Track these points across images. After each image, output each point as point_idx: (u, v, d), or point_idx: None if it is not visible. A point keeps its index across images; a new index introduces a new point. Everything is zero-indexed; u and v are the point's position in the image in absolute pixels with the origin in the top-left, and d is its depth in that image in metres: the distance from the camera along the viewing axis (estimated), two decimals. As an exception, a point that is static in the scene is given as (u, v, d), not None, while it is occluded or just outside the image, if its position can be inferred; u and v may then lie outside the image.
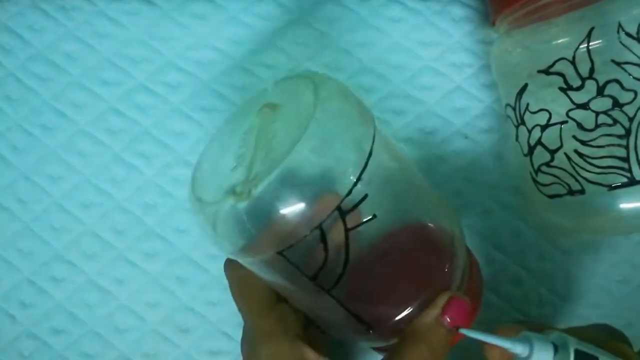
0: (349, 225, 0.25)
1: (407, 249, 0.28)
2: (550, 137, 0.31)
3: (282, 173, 0.23)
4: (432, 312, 0.26)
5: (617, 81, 0.29)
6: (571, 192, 0.31)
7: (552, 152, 0.31)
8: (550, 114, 0.31)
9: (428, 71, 0.38)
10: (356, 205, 0.24)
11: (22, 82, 0.38)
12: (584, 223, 0.32)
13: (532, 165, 0.32)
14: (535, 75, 0.31)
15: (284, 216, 0.24)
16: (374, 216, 0.25)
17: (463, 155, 0.37)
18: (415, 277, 0.27)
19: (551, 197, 0.32)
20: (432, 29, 0.38)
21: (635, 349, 0.25)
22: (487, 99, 0.38)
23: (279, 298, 0.29)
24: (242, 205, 0.24)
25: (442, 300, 0.26)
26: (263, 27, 0.38)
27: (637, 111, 0.29)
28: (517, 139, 0.33)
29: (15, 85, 0.38)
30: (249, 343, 0.29)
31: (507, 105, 0.34)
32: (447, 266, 0.28)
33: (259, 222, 0.24)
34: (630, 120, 0.29)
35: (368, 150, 0.25)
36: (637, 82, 0.29)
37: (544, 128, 0.31)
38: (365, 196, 0.25)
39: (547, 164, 0.31)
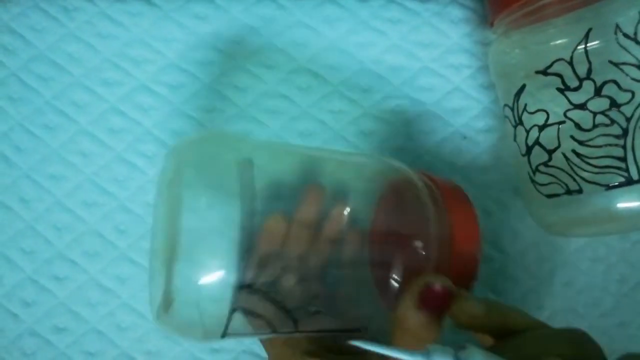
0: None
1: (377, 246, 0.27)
2: (548, 137, 0.31)
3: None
4: (408, 302, 0.25)
5: (615, 82, 0.29)
6: (569, 192, 0.31)
7: (550, 152, 0.31)
8: (548, 114, 0.31)
9: (427, 72, 0.38)
10: (261, 270, 0.25)
11: (24, 82, 0.38)
12: (582, 222, 0.32)
13: (530, 165, 0.32)
14: (533, 76, 0.31)
15: (203, 309, 0.25)
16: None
17: (461, 156, 0.37)
18: (384, 256, 0.27)
19: (549, 196, 0.32)
20: (431, 30, 0.38)
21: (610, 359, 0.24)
22: (485, 99, 0.38)
23: None
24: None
25: (416, 287, 0.25)
26: (263, 27, 0.38)
27: (634, 111, 0.29)
28: (515, 139, 0.34)
29: (18, 85, 0.38)
30: None
31: (505, 105, 0.34)
32: (414, 232, 0.27)
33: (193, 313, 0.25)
34: (628, 120, 0.29)
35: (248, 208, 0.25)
36: (634, 82, 0.29)
37: (541, 128, 0.31)
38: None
39: (545, 164, 0.32)
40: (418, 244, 0.27)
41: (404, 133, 0.38)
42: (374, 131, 0.37)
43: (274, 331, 0.26)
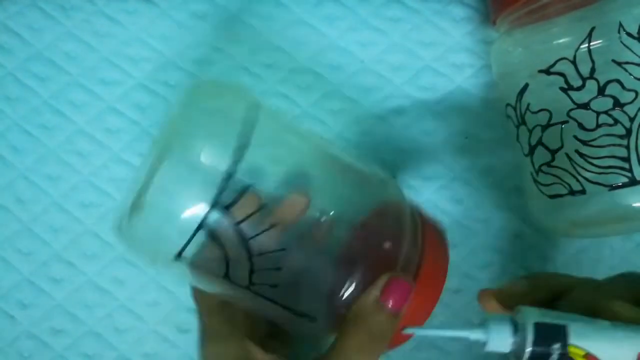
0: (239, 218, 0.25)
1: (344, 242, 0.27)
2: (551, 137, 0.31)
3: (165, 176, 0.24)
4: (371, 294, 0.25)
5: (618, 81, 0.29)
6: (572, 192, 0.31)
7: (553, 152, 0.31)
8: (551, 113, 0.31)
9: (429, 71, 0.38)
10: (237, 198, 0.24)
11: (21, 81, 0.38)
12: (585, 223, 0.32)
13: (533, 165, 0.32)
14: (536, 75, 0.31)
15: (169, 223, 0.24)
16: (248, 187, 0.25)
17: (463, 156, 0.37)
18: (351, 258, 0.27)
19: (552, 197, 0.32)
20: (433, 29, 0.38)
21: None
22: (487, 98, 0.38)
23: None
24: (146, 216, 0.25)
25: (381, 281, 0.25)
26: (262, 26, 0.38)
27: (637, 111, 0.29)
28: (517, 139, 0.33)
29: (15, 84, 0.37)
30: (200, 343, 0.29)
31: (508, 105, 0.34)
32: (388, 244, 0.27)
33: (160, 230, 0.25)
34: (631, 120, 0.29)
35: (241, 143, 0.25)
36: (637, 82, 0.29)
37: (544, 128, 0.31)
38: (248, 187, 0.25)
39: (548, 164, 0.31)
40: (387, 252, 0.27)
41: (404, 133, 0.37)
42: (375, 131, 0.37)
43: (226, 276, 0.25)
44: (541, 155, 0.32)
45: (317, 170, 0.29)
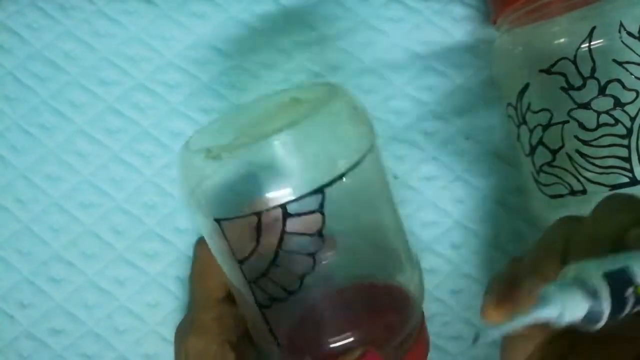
0: (290, 230, 0.25)
1: (357, 299, 0.28)
2: (551, 137, 0.31)
3: (259, 152, 0.24)
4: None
5: (619, 81, 0.29)
6: (573, 192, 0.31)
7: (554, 152, 0.31)
8: (551, 113, 0.31)
9: (429, 71, 0.38)
10: (301, 214, 0.25)
11: (21, 81, 0.37)
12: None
13: (534, 165, 0.32)
14: (537, 75, 0.31)
15: (235, 189, 0.25)
16: (322, 211, 0.25)
17: (464, 156, 0.37)
18: (357, 315, 0.28)
19: (553, 197, 0.32)
20: (433, 29, 0.38)
21: None
22: (488, 98, 0.38)
23: (228, 299, 0.29)
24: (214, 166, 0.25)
25: (356, 352, 0.25)
26: (263, 27, 0.38)
27: (638, 111, 0.29)
28: (518, 139, 0.33)
29: (14, 84, 0.37)
30: (183, 330, 0.29)
31: (509, 104, 0.34)
32: (393, 321, 0.28)
33: (220, 188, 0.25)
34: (632, 120, 0.29)
35: (341, 170, 0.25)
36: (638, 81, 0.29)
37: (545, 128, 0.31)
38: (316, 211, 0.25)
39: (549, 164, 0.31)
40: (390, 328, 0.28)
41: (405, 134, 0.37)
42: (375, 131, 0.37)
43: (241, 261, 0.26)
44: (542, 155, 0.32)
45: (375, 229, 0.29)
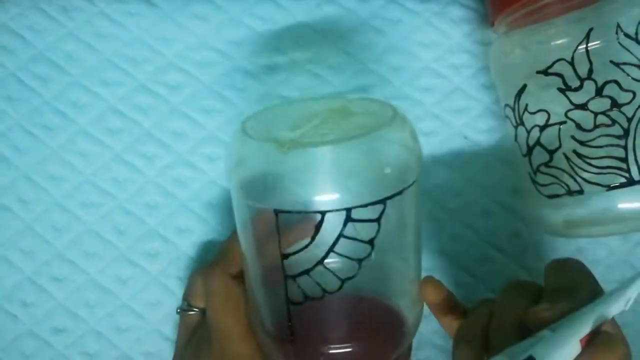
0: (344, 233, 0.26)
1: (362, 312, 0.29)
2: (549, 138, 0.31)
3: (327, 154, 0.25)
4: None
5: (616, 82, 0.29)
6: (570, 193, 0.31)
7: (551, 153, 0.31)
8: (549, 114, 0.31)
9: (428, 72, 0.38)
10: (361, 220, 0.25)
11: (23, 82, 0.38)
12: (583, 223, 0.32)
13: (531, 165, 0.32)
14: (534, 76, 0.31)
15: (295, 184, 0.25)
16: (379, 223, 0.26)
17: (462, 156, 0.37)
18: (365, 330, 0.28)
19: (550, 197, 0.32)
20: (432, 30, 0.38)
21: None
22: (486, 99, 0.38)
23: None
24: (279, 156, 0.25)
25: None
26: (263, 28, 0.38)
27: (635, 112, 0.29)
28: (516, 140, 0.34)
29: (17, 85, 0.38)
30: (215, 356, 0.30)
31: (506, 105, 0.34)
32: (383, 342, 0.28)
33: (285, 178, 0.26)
34: (629, 120, 0.29)
35: (399, 188, 0.26)
36: (635, 82, 0.29)
37: (542, 128, 0.31)
38: (375, 220, 0.26)
39: (546, 164, 0.32)
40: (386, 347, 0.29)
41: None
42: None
43: (284, 256, 0.26)
44: (539, 155, 0.32)
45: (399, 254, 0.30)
